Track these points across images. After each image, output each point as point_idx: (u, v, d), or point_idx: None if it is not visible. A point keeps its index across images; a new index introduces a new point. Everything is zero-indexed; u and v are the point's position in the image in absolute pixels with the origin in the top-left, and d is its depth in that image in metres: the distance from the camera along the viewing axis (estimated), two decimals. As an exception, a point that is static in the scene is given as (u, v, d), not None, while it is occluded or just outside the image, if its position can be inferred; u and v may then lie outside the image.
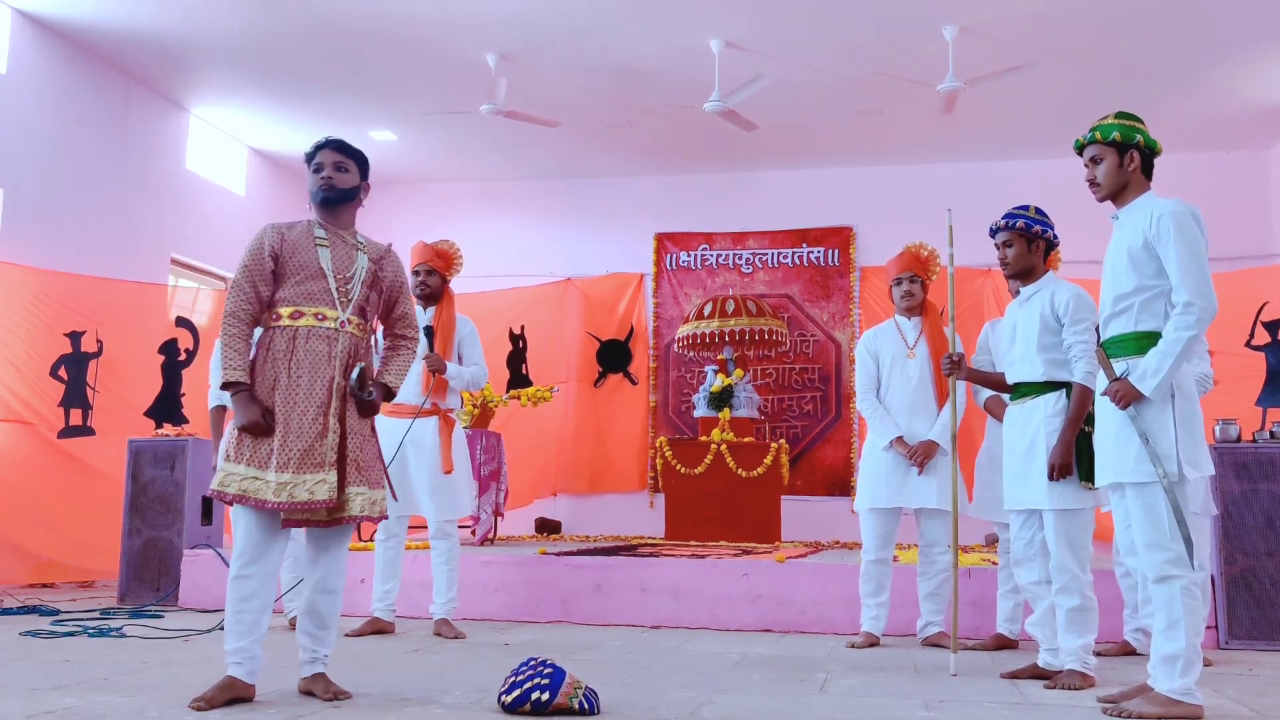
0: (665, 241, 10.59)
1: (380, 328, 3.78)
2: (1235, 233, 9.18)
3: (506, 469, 8.04)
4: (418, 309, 5.15)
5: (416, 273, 5.12)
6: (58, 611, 5.56)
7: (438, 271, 5.15)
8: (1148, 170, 3.47)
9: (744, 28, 7.53)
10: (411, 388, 5.02)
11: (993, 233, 4.11)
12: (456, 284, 5.35)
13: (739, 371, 8.71)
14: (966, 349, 4.99)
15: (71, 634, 4.75)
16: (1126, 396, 3.25)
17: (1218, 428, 5.06)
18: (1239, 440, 5.07)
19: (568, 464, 10.04)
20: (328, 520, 3.29)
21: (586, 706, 3.10)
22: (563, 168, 10.58)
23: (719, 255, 10.48)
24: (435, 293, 5.14)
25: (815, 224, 10.32)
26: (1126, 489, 3.29)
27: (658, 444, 8.63)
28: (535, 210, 10.89)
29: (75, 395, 7.29)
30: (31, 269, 7.31)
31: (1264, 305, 6.65)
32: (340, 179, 3.52)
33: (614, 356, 10.34)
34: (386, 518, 3.56)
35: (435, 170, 10.75)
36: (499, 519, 7.92)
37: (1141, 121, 3.50)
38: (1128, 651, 4.63)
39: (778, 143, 9.60)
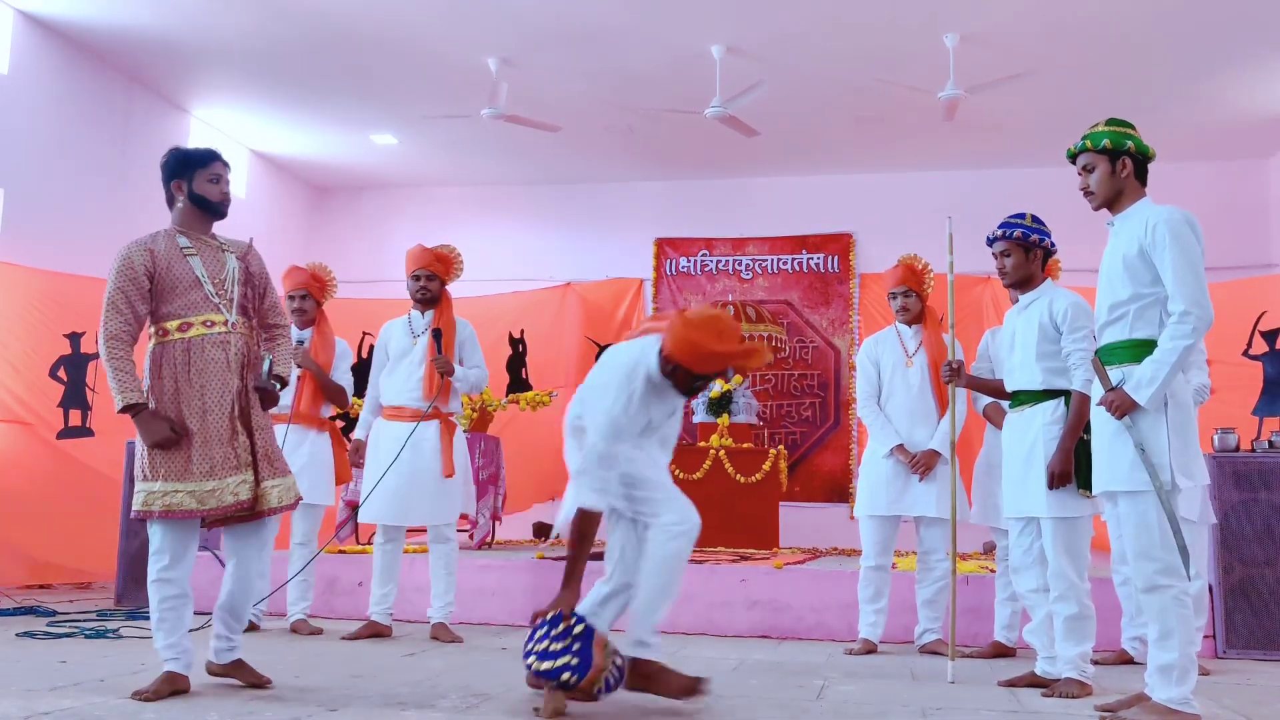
0: (665, 247, 10.60)
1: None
2: (1234, 242, 9.20)
3: (505, 473, 8.04)
4: (415, 313, 5.16)
5: (416, 277, 5.12)
6: (54, 612, 5.55)
7: (437, 276, 5.15)
8: (1142, 176, 3.45)
9: (745, 34, 7.54)
10: (413, 392, 5.02)
11: (990, 242, 4.11)
12: (457, 287, 5.35)
13: (738, 377, 8.69)
14: (967, 356, 4.99)
15: (68, 635, 4.75)
16: (1122, 406, 3.24)
17: (1216, 437, 5.06)
18: (1237, 449, 5.07)
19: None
20: (249, 515, 3.45)
21: (606, 688, 3.11)
22: (563, 172, 10.59)
23: (719, 261, 10.49)
24: (434, 297, 5.14)
25: (815, 230, 10.33)
26: (1119, 497, 3.29)
27: (656, 449, 8.61)
28: (535, 214, 10.90)
29: (74, 396, 7.28)
30: (32, 269, 7.30)
31: (1262, 314, 6.67)
32: (230, 191, 3.71)
33: (613, 361, 10.32)
34: (301, 498, 3.66)
35: (436, 174, 10.76)
36: (497, 523, 7.92)
37: (1133, 127, 3.47)
38: (1125, 660, 4.63)
39: (778, 149, 9.62)
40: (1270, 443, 5.09)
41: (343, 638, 4.89)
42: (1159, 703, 3.16)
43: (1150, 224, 3.30)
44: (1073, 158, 3.52)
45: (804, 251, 10.34)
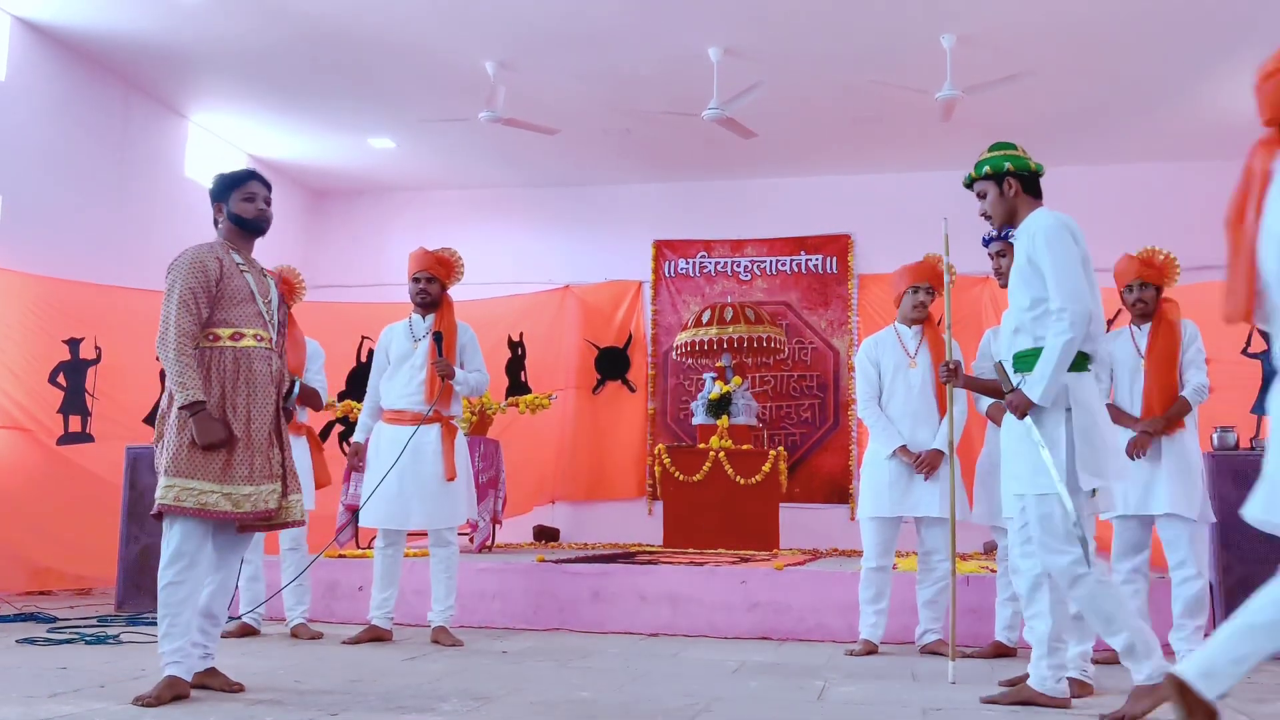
0: (664, 249, 10.60)
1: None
2: (1232, 241, 9.19)
3: (505, 476, 8.04)
4: (416, 316, 5.17)
5: (416, 279, 5.11)
6: (55, 618, 5.55)
7: (438, 279, 5.15)
8: (1033, 190, 3.63)
9: (743, 35, 7.55)
10: (414, 395, 5.02)
11: (986, 242, 4.12)
12: (456, 290, 5.35)
13: (737, 379, 8.71)
14: (967, 357, 4.99)
15: (69, 641, 4.74)
16: (1020, 406, 3.39)
17: (1215, 435, 5.07)
18: (1236, 447, 5.07)
19: (566, 471, 10.03)
20: (274, 525, 3.59)
21: None
22: (561, 175, 10.59)
23: (717, 262, 10.49)
24: (435, 300, 5.14)
25: (813, 232, 10.33)
26: (1026, 499, 3.40)
27: (656, 451, 8.63)
28: (534, 217, 10.89)
29: (74, 402, 7.28)
30: (30, 275, 7.30)
31: (1262, 313, 6.66)
32: (269, 213, 3.75)
33: (612, 364, 10.34)
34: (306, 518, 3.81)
35: (434, 177, 10.76)
36: (497, 526, 7.92)
37: (1014, 147, 3.66)
38: (1126, 660, 4.63)
39: (776, 150, 9.62)
40: (1269, 441, 5.09)
41: (343, 642, 4.89)
42: (1141, 685, 3.22)
43: (1032, 233, 3.48)
44: (969, 186, 3.71)
45: (802, 253, 10.34)
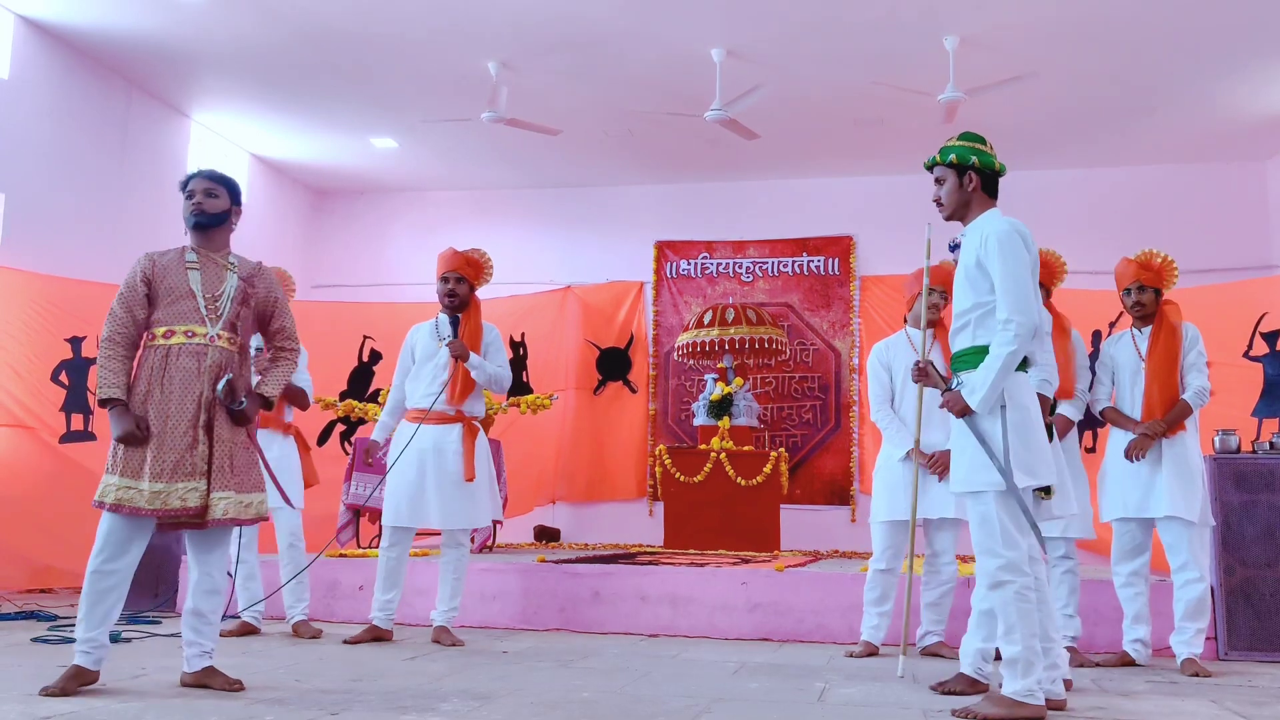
0: (665, 250, 10.60)
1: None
2: (1233, 244, 9.21)
3: (505, 476, 8.04)
4: (443, 316, 5.15)
5: (445, 279, 5.11)
6: (55, 617, 5.55)
7: (466, 279, 5.14)
8: (990, 189, 3.61)
9: (745, 37, 7.55)
10: (439, 395, 5.00)
11: (952, 249, 4.08)
12: (459, 290, 5.34)
13: (738, 380, 8.71)
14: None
15: (69, 640, 4.73)
16: (956, 407, 3.43)
17: (1217, 438, 5.06)
18: (1238, 451, 5.07)
19: (567, 471, 10.04)
20: (200, 523, 3.54)
21: None
22: (563, 176, 10.60)
23: (719, 264, 10.49)
24: (464, 301, 5.13)
25: (815, 233, 10.33)
26: (965, 497, 3.44)
27: (657, 452, 8.63)
28: (536, 218, 10.90)
29: (76, 400, 7.29)
30: (33, 274, 7.31)
31: (1263, 316, 6.67)
32: (210, 204, 3.75)
33: (614, 364, 10.34)
34: (266, 518, 3.75)
35: (435, 178, 10.77)
36: (498, 526, 7.92)
37: (984, 143, 3.64)
38: (1127, 662, 4.63)
39: (778, 152, 9.62)
40: (1271, 444, 5.09)
41: (344, 641, 4.89)
42: (1005, 695, 3.26)
43: (984, 236, 3.47)
44: (930, 169, 3.71)
45: (804, 254, 10.34)
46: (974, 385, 3.39)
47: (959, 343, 3.55)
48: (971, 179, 3.58)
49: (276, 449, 5.19)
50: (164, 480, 3.46)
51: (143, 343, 3.64)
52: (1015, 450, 3.33)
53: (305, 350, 5.41)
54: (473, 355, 5.01)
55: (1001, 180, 3.72)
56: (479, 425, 5.15)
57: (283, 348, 3.87)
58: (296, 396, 5.30)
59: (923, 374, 4.14)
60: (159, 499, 3.45)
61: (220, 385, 3.58)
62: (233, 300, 3.68)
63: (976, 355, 3.45)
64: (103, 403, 3.54)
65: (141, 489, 3.46)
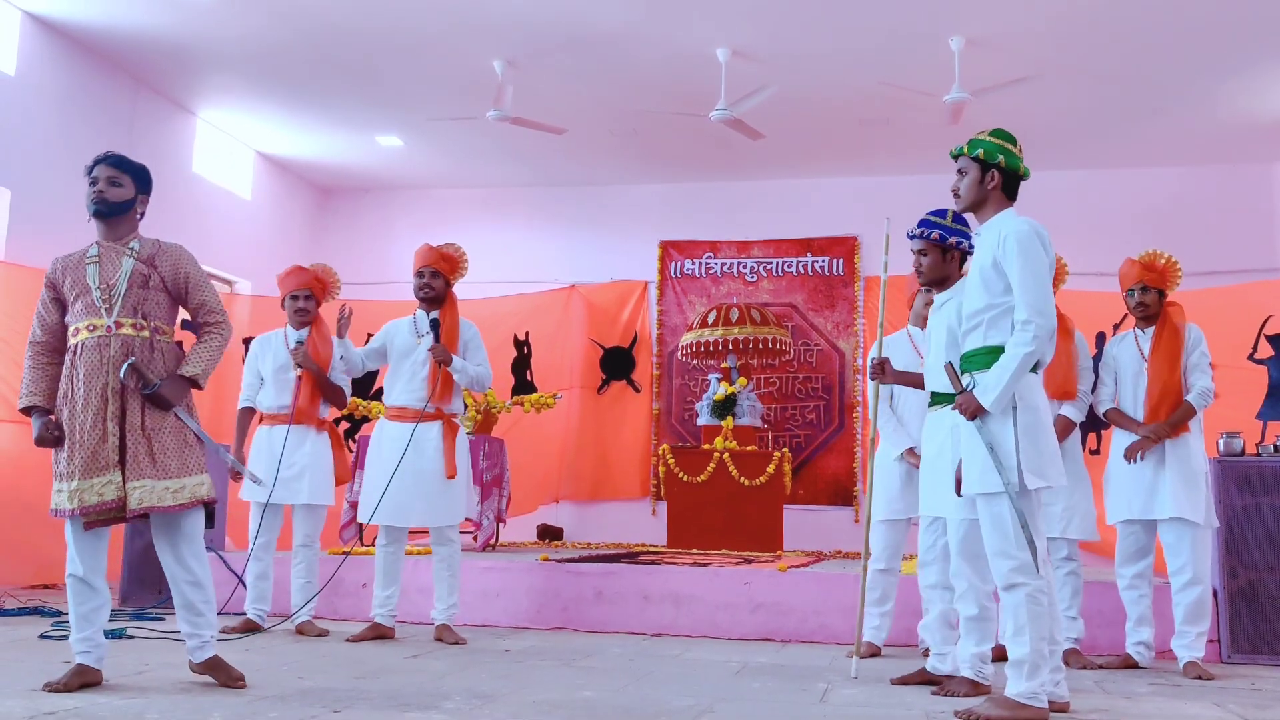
0: (670, 249, 10.60)
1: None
2: (1239, 246, 9.19)
3: (509, 475, 8.04)
4: (420, 313, 5.16)
5: (420, 274, 5.12)
6: (60, 613, 5.55)
7: (442, 274, 5.15)
8: (1010, 190, 3.58)
9: (751, 37, 7.55)
10: (417, 392, 5.03)
11: (911, 236, 4.06)
12: (463, 289, 5.36)
13: (742, 380, 8.71)
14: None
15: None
16: (969, 409, 3.41)
17: (1221, 441, 5.05)
18: (1242, 454, 5.06)
19: (570, 471, 10.04)
20: (123, 516, 3.48)
21: None
22: (568, 175, 10.60)
23: (723, 264, 10.48)
24: (439, 295, 5.13)
25: (820, 233, 10.33)
26: (977, 499, 3.42)
27: (660, 452, 8.63)
28: (540, 217, 10.90)
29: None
30: (38, 270, 7.30)
31: (1268, 319, 6.66)
32: (112, 193, 3.62)
33: (617, 364, 10.34)
34: (206, 501, 3.57)
35: (441, 176, 10.77)
36: (501, 525, 7.93)
37: (1014, 143, 3.60)
38: (1130, 665, 4.62)
39: (783, 152, 9.62)
40: (1275, 447, 5.08)
41: (346, 639, 4.90)
42: (1009, 697, 3.26)
43: (1002, 236, 3.44)
44: (955, 157, 3.65)
45: (809, 254, 10.34)
46: (987, 385, 3.37)
47: (970, 342, 3.53)
48: (994, 177, 3.54)
49: (310, 445, 5.21)
50: (79, 478, 3.43)
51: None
52: (1026, 452, 3.32)
53: (346, 342, 5.21)
54: (455, 359, 5.00)
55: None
56: (458, 423, 5.16)
57: (206, 323, 3.69)
58: (334, 395, 5.32)
59: (880, 371, 4.14)
60: (77, 497, 3.42)
61: (122, 370, 3.47)
62: (129, 284, 3.56)
63: (988, 355, 3.44)
64: (22, 411, 3.57)
65: (66, 489, 3.44)
